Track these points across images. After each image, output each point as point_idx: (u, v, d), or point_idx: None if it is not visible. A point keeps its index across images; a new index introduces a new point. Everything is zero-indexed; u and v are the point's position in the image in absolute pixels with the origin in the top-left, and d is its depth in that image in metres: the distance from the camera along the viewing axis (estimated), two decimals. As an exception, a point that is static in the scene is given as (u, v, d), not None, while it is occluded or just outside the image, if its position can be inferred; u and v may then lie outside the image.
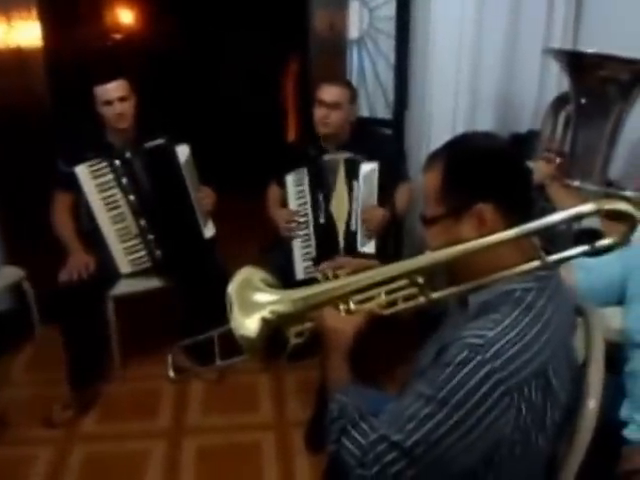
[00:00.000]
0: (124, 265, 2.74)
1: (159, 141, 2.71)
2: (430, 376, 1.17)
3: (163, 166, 2.70)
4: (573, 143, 2.41)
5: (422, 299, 1.30)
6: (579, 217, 1.17)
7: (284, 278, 2.56)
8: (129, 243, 2.73)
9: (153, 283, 2.81)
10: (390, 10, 3.08)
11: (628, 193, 2.21)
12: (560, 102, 2.61)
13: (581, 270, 1.74)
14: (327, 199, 2.72)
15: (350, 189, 2.71)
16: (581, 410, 1.27)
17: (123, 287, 2.77)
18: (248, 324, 1.30)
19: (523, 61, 3.17)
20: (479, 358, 1.11)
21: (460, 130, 3.11)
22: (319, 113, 2.73)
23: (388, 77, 3.16)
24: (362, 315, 1.35)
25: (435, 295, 1.29)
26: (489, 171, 1.23)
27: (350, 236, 2.74)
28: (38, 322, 3.15)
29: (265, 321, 1.31)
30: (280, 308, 1.32)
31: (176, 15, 5.86)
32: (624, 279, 1.80)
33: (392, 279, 1.30)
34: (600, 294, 1.79)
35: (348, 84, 2.85)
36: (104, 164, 2.64)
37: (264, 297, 1.34)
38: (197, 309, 2.73)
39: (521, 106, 3.29)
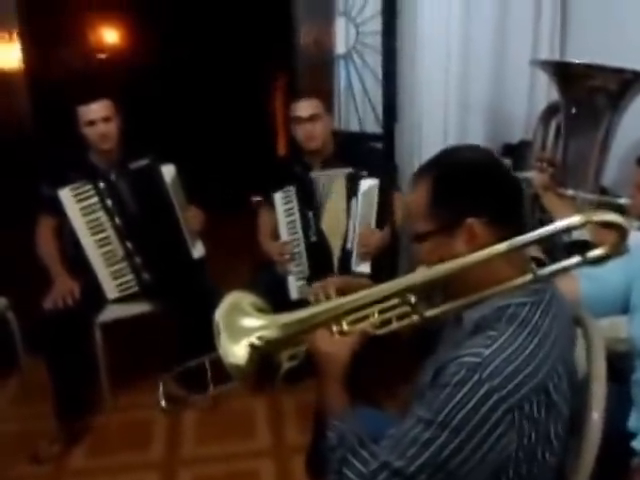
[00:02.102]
0: (111, 290, 2.67)
1: (144, 161, 2.66)
2: (428, 398, 1.13)
3: (149, 187, 2.64)
4: (565, 152, 2.39)
5: (415, 318, 1.26)
6: (569, 229, 1.14)
7: (278, 297, 2.55)
8: (115, 267, 2.67)
9: (141, 307, 2.74)
10: (376, 25, 3.05)
11: (622, 200, 2.18)
12: (550, 112, 2.60)
13: (585, 279, 1.69)
14: (317, 217, 2.68)
15: (348, 206, 2.66)
16: (586, 423, 1.24)
17: (110, 313, 2.69)
18: (236, 351, 1.26)
19: (511, 71, 3.16)
20: (477, 377, 1.07)
21: (451, 142, 3.09)
22: (302, 130, 2.70)
23: (377, 91, 3.12)
24: (356, 336, 1.30)
25: (429, 313, 1.26)
26: (477, 185, 1.20)
27: (345, 255, 2.69)
28: (22, 353, 3.01)
29: (253, 347, 1.27)
30: (268, 333, 1.28)
31: (159, 32, 5.83)
32: (628, 287, 1.76)
33: (385, 298, 1.26)
34: (604, 303, 1.74)
35: (315, 98, 2.80)
36: (88, 187, 2.58)
37: (252, 322, 1.31)
38: (189, 332, 2.63)
39: (511, 116, 3.27)
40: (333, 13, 3.10)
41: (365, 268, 2.67)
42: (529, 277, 1.16)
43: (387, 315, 1.30)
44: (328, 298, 1.43)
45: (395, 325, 1.29)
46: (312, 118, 2.69)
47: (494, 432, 1.07)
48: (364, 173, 2.66)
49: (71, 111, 2.58)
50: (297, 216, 2.69)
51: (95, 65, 6.07)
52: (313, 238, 2.69)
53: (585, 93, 2.25)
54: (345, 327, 1.31)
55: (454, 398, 1.08)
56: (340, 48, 3.14)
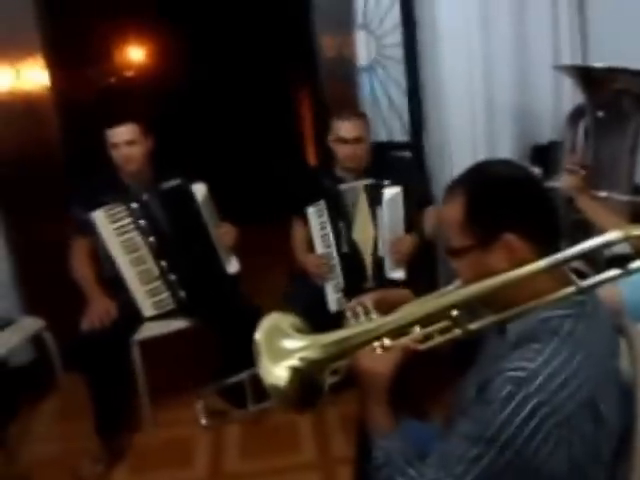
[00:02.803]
0: (147, 308, 2.71)
1: (175, 182, 2.70)
2: (474, 414, 1.14)
3: (180, 206, 2.69)
4: (596, 155, 2.38)
5: (458, 331, 1.26)
6: (609, 244, 1.13)
7: (317, 310, 2.56)
8: (151, 285, 2.71)
9: (178, 324, 2.77)
10: (397, 37, 3.07)
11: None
12: (577, 114, 2.58)
13: (626, 284, 1.68)
14: (349, 228, 2.70)
15: (374, 215, 2.68)
16: (636, 433, 1.22)
17: (147, 331, 2.73)
18: (277, 372, 1.25)
19: (535, 72, 3.13)
20: (524, 393, 1.07)
21: (480, 146, 3.10)
22: (343, 151, 2.72)
23: (402, 101, 3.13)
24: (398, 351, 1.29)
25: (472, 327, 1.25)
26: (514, 199, 1.20)
27: (377, 263, 2.71)
28: (61, 372, 3.08)
29: (294, 369, 1.25)
30: (310, 354, 1.26)
31: (185, 49, 5.87)
32: None
33: (428, 316, 1.26)
34: None
35: (361, 114, 2.83)
36: (121, 207, 2.63)
37: (293, 344, 1.29)
38: (228, 347, 2.70)
39: (538, 118, 3.25)
40: (353, 26, 3.12)
41: (399, 274, 2.69)
42: (571, 289, 1.15)
43: (429, 329, 1.30)
44: (367, 313, 1.43)
45: (438, 339, 1.29)
46: (356, 140, 2.70)
47: (543, 448, 1.07)
48: (386, 182, 2.68)
49: (100, 133, 2.63)
50: (329, 229, 2.70)
51: (122, 83, 6.13)
52: (345, 249, 2.71)
53: (610, 96, 2.24)
54: (387, 342, 1.30)
55: (501, 414, 1.08)
56: (362, 60, 3.16)
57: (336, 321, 2.57)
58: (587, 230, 2.43)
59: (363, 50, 3.14)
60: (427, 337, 1.31)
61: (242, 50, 5.77)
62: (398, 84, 3.16)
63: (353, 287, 2.68)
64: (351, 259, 2.72)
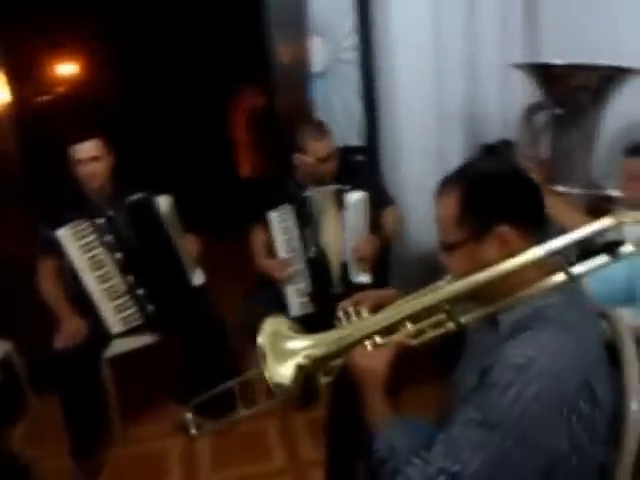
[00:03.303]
0: (115, 324, 2.67)
1: (139, 195, 2.67)
2: (477, 401, 1.17)
3: (146, 220, 2.66)
4: (553, 150, 2.47)
5: (451, 325, 1.30)
6: (602, 231, 1.20)
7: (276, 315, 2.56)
8: (118, 301, 2.67)
9: (146, 339, 2.74)
10: (352, 41, 3.12)
11: (612, 192, 2.26)
12: (531, 111, 2.66)
13: (593, 279, 1.74)
14: (316, 233, 2.71)
15: (339, 220, 2.70)
16: (625, 413, 1.27)
17: (116, 347, 2.69)
18: (283, 371, 1.30)
19: (483, 74, 3.25)
20: (524, 377, 1.12)
21: (432, 148, 3.17)
22: (324, 168, 2.70)
23: (356, 105, 3.18)
24: (392, 347, 1.33)
25: (464, 319, 1.30)
26: (506, 193, 1.27)
27: (343, 268, 2.73)
28: (30, 394, 3.01)
29: (299, 367, 1.31)
30: (315, 352, 1.32)
31: (129, 60, 5.73)
32: (631, 279, 1.83)
33: (424, 311, 1.30)
34: (612, 299, 1.80)
35: (328, 129, 2.80)
36: (86, 224, 2.59)
37: (297, 344, 1.34)
38: (197, 358, 2.70)
39: (486, 118, 3.35)
40: (308, 31, 3.15)
41: (365, 278, 2.72)
42: (562, 277, 1.21)
43: (421, 324, 1.34)
44: (358, 313, 1.46)
45: (431, 334, 1.33)
46: (332, 156, 2.71)
47: (545, 430, 1.13)
48: (347, 187, 2.70)
49: (63, 150, 2.59)
50: (296, 233, 2.71)
51: (56, 101, 5.97)
52: (313, 254, 2.71)
53: (568, 92, 2.32)
54: (378, 340, 1.34)
55: (504, 399, 1.12)
56: (316, 65, 3.18)
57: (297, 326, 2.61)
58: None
59: (318, 55, 3.17)
60: (420, 332, 1.36)
61: (193, 58, 5.68)
62: (353, 88, 3.20)
63: (320, 291, 2.72)
64: (318, 264, 2.73)
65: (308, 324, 2.60)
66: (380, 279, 2.80)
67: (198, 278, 2.79)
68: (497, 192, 1.26)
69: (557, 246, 1.19)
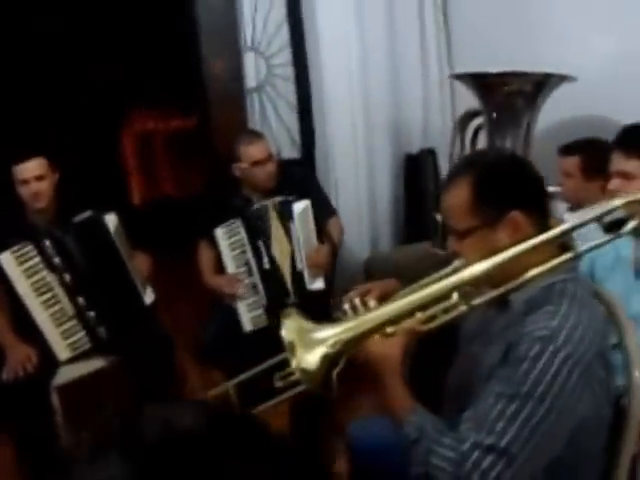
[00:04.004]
0: (62, 351, 2.56)
1: (87, 213, 2.59)
2: (505, 375, 1.23)
3: (95, 239, 2.57)
4: (491, 153, 2.61)
5: (463, 308, 1.36)
6: (611, 210, 1.29)
7: (232, 334, 2.58)
8: (65, 326, 2.56)
9: (95, 364, 2.64)
10: (286, 56, 3.19)
11: (550, 188, 2.43)
12: (466, 119, 2.83)
13: None
14: (267, 245, 2.73)
15: (287, 231, 2.74)
16: (630, 382, 1.36)
17: (65, 374, 2.57)
18: (311, 359, 1.31)
19: (406, 89, 3.43)
20: (552, 347, 1.19)
21: (362, 158, 3.30)
22: (264, 172, 2.74)
23: (291, 119, 3.24)
24: (404, 334, 1.35)
25: (476, 302, 1.36)
26: (516, 180, 1.35)
27: (297, 276, 2.77)
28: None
29: (326, 354, 1.31)
30: (342, 339, 1.32)
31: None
32: (591, 265, 1.98)
33: (442, 295, 1.34)
34: None
35: (261, 133, 2.88)
36: (29, 247, 2.47)
37: (324, 333, 1.34)
38: (149, 379, 2.59)
39: (409, 129, 3.52)
40: (241, 48, 3.19)
41: (319, 284, 2.78)
42: (570, 255, 1.30)
43: (433, 310, 1.39)
44: (365, 304, 1.49)
45: (442, 318, 1.38)
46: (266, 160, 2.75)
47: (574, 395, 1.20)
48: (291, 198, 2.76)
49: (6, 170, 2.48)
50: (248, 247, 2.72)
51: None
52: (267, 266, 2.73)
53: (503, 98, 2.49)
54: (388, 329, 1.36)
55: (534, 370, 1.19)
56: (251, 81, 3.23)
57: (251, 341, 2.63)
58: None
59: (252, 71, 3.21)
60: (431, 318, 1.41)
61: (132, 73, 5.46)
62: (287, 102, 3.27)
63: (276, 302, 2.73)
64: (272, 275, 2.75)
65: (264, 337, 2.65)
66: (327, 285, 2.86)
67: (149, 297, 2.73)
68: (508, 179, 1.34)
69: (571, 226, 1.28)
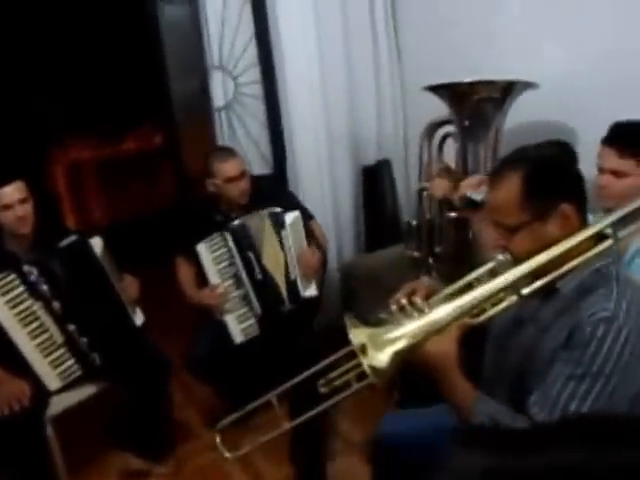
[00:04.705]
0: (53, 381, 2.49)
1: (72, 238, 2.54)
2: (572, 357, 1.33)
3: (83, 263, 2.52)
4: (463, 159, 2.75)
5: (514, 298, 1.45)
6: None
7: (224, 346, 2.60)
8: (55, 355, 2.49)
9: (88, 390, 2.58)
10: (254, 75, 3.24)
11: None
12: (433, 128, 2.96)
13: None
14: (258, 256, 2.76)
15: (280, 241, 2.78)
16: None
17: (57, 404, 2.50)
18: (382, 358, 1.36)
19: (362, 106, 3.55)
20: (615, 326, 1.30)
21: (325, 172, 3.39)
22: (237, 189, 2.78)
23: (261, 136, 3.29)
24: (456, 329, 1.42)
25: (526, 291, 1.45)
26: (565, 173, 1.44)
27: (291, 285, 2.82)
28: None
29: (396, 353, 1.38)
30: (413, 337, 1.39)
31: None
32: None
33: (502, 289, 1.42)
34: None
35: (235, 151, 2.92)
36: (13, 276, 2.38)
37: (393, 334, 1.40)
38: (143, 401, 2.60)
39: (365, 141, 3.65)
40: (208, 67, 3.21)
41: (312, 291, 2.85)
42: (612, 241, 1.39)
43: (483, 304, 1.47)
44: (412, 304, 1.53)
45: (492, 311, 1.47)
46: (240, 176, 2.79)
47: (633, 369, 1.32)
48: (277, 210, 2.82)
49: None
50: (237, 260, 2.74)
51: None
52: (259, 277, 2.76)
53: (473, 105, 2.64)
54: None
55: (602, 349, 1.30)
56: (218, 100, 3.25)
57: (242, 352, 2.66)
58: (460, 225, 2.84)
59: (219, 90, 3.24)
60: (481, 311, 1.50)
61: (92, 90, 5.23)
62: (257, 119, 3.31)
63: (270, 312, 2.79)
64: (266, 285, 2.79)
65: (257, 347, 2.68)
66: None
67: (139, 318, 2.70)
68: (558, 173, 1.42)
69: (621, 215, 1.40)
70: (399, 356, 1.38)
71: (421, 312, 1.47)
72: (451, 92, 2.67)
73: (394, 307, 1.55)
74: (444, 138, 2.96)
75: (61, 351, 2.51)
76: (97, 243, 2.58)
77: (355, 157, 3.62)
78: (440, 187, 2.72)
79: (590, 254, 1.40)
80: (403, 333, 1.41)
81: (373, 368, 1.36)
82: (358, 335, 1.41)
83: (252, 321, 2.78)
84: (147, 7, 3.30)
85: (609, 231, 1.41)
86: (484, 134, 2.68)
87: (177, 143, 3.27)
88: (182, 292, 2.89)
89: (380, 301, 3.06)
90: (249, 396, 1.79)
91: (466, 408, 1.41)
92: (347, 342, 1.44)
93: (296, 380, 1.68)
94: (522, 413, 1.39)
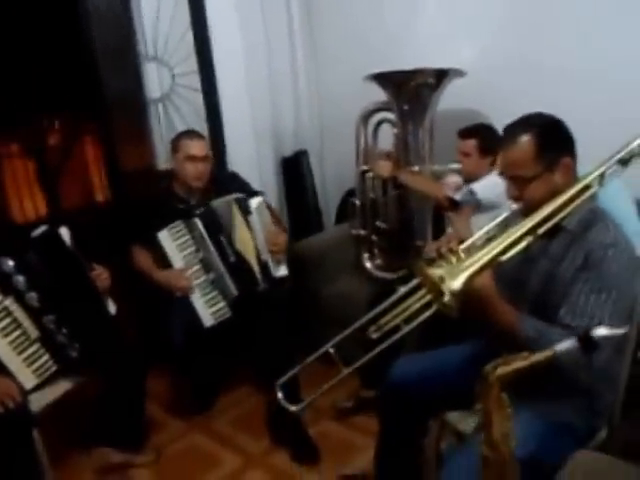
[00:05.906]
0: (27, 379, 2.41)
1: (43, 228, 2.47)
2: (590, 275, 1.64)
3: (57, 252, 2.46)
4: (404, 140, 3.04)
5: (530, 238, 1.71)
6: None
7: (193, 330, 2.68)
8: (29, 351, 2.41)
9: (63, 386, 2.52)
10: (191, 66, 3.28)
11: (454, 166, 2.92)
12: (367, 115, 3.22)
13: None
14: (230, 239, 2.83)
15: (248, 224, 2.87)
16: None
17: (36, 402, 2.40)
18: (457, 284, 1.56)
19: (280, 101, 3.75)
20: (620, 248, 1.65)
21: (254, 165, 3.54)
22: (194, 169, 2.84)
23: (202, 127, 3.33)
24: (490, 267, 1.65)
25: (541, 231, 1.73)
26: (564, 132, 1.75)
27: (263, 266, 2.92)
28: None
29: (469, 276, 1.58)
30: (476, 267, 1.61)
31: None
32: None
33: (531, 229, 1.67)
34: None
35: (202, 135, 2.98)
36: None
37: (464, 264, 1.61)
38: (121, 391, 2.60)
39: (283, 134, 3.84)
40: (142, 58, 3.21)
41: (283, 271, 2.96)
42: (599, 186, 1.69)
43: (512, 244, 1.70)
44: (451, 251, 1.71)
45: (515, 249, 1.73)
46: (204, 158, 2.85)
47: (636, 279, 1.68)
48: (242, 195, 2.91)
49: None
50: (208, 244, 2.79)
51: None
52: (232, 259, 2.84)
53: (412, 91, 2.93)
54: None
55: (612, 267, 1.63)
56: (155, 92, 3.26)
57: (213, 335, 2.75)
58: (404, 201, 3.12)
59: (155, 82, 3.25)
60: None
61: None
62: (197, 111, 3.36)
63: (246, 292, 2.88)
64: (239, 267, 2.86)
65: (231, 327, 2.77)
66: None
67: (112, 308, 2.66)
68: (561, 132, 1.74)
69: (606, 167, 1.66)
70: (469, 280, 1.59)
71: (459, 257, 1.69)
72: (392, 79, 2.93)
73: (432, 254, 1.77)
74: (380, 123, 3.23)
75: (35, 347, 2.44)
76: (65, 233, 2.51)
77: (276, 149, 3.79)
78: (385, 168, 3.00)
79: (586, 196, 1.70)
80: (471, 262, 1.62)
81: (453, 293, 1.55)
82: (435, 270, 1.61)
83: (222, 304, 2.85)
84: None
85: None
86: (421, 118, 2.98)
87: (110, 136, 3.22)
88: (143, 275, 2.88)
89: (328, 275, 3.30)
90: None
91: (512, 326, 1.66)
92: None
93: (352, 328, 1.85)
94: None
